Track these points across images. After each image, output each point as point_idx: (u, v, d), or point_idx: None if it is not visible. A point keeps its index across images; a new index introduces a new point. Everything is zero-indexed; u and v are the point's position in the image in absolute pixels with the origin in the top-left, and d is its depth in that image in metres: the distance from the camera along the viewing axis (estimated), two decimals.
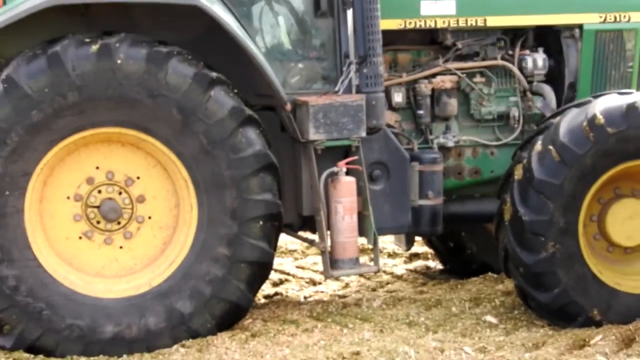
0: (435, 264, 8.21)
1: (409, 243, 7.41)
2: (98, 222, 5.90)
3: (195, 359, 5.42)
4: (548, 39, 7.09)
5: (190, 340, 5.72)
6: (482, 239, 7.57)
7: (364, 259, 6.84)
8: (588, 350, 5.34)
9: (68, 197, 5.89)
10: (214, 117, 5.72)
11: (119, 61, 5.58)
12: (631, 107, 5.84)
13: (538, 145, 5.94)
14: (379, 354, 5.28)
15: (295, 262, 8.46)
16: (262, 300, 6.97)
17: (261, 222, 5.87)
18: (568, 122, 5.89)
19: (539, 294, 5.88)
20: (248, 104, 5.92)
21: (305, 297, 7.30)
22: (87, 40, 5.61)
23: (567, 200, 5.81)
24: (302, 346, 5.59)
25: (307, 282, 7.83)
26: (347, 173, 6.07)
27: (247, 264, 5.83)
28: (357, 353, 5.36)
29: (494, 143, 6.92)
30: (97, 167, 5.89)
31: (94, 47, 5.57)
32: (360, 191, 6.13)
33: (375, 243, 6.30)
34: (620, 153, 5.86)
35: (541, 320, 6.00)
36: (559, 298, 5.82)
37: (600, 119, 5.76)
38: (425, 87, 6.71)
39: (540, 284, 5.85)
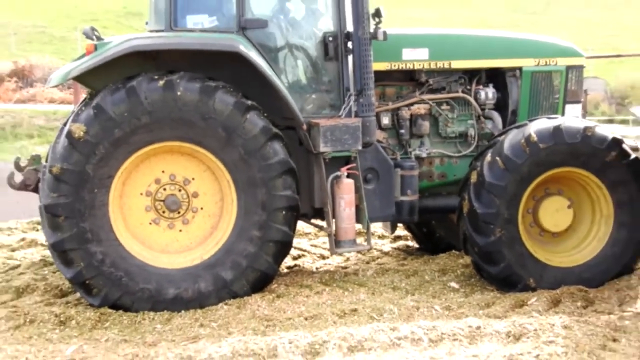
0: (413, 244, 7.95)
1: (393, 228, 7.20)
2: (163, 212, 5.71)
3: (235, 313, 5.30)
4: (496, 77, 6.85)
5: (231, 300, 5.56)
6: (448, 225, 7.28)
7: (359, 240, 6.53)
8: (526, 308, 5.27)
9: (141, 194, 5.68)
10: (249, 134, 5.51)
11: (179, 93, 5.41)
12: (557, 128, 5.64)
13: (488, 157, 5.77)
14: (371, 310, 5.19)
15: (309, 242, 8.24)
16: (285, 270, 6.84)
17: (284, 212, 5.68)
18: (510, 139, 5.75)
19: (489, 267, 5.75)
20: (275, 124, 5.75)
21: (316, 268, 7.16)
22: (156, 77, 5.46)
23: (510, 197, 5.66)
24: (314, 304, 5.48)
25: (318, 257, 7.61)
26: (348, 176, 5.89)
27: (274, 242, 5.66)
28: (355, 310, 5.27)
29: (456, 155, 6.67)
30: (163, 171, 5.68)
31: (161, 82, 5.41)
32: (357, 190, 5.93)
33: (368, 228, 6.14)
34: (549, 163, 5.68)
35: (491, 286, 5.87)
36: (504, 270, 5.68)
37: (534, 137, 5.61)
38: (405, 113, 6.51)
39: (490, 259, 5.71)
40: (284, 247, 5.81)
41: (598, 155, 5.73)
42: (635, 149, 6.13)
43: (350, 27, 6.08)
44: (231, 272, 5.62)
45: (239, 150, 5.60)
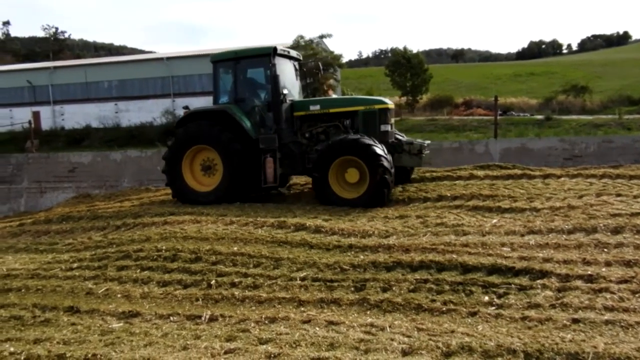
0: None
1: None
2: (205, 170, 11.15)
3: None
4: (350, 115, 11.26)
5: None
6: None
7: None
8: None
9: (200, 164, 11.27)
10: (225, 139, 10.66)
11: (204, 127, 10.83)
12: (346, 139, 10.19)
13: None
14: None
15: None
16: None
17: (238, 169, 10.67)
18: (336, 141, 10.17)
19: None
20: (238, 138, 10.82)
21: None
22: (197, 122, 11.00)
23: (327, 163, 10.20)
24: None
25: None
26: (269, 157, 10.91)
27: (236, 178, 10.87)
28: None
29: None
30: (202, 158, 11.25)
31: (197, 124, 11.10)
32: (274, 162, 10.86)
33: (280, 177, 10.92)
34: (342, 151, 10.19)
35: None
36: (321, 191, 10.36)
37: (339, 142, 10.22)
38: (313, 131, 11.38)
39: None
40: (246, 181, 10.88)
41: (364, 150, 9.93)
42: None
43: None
44: (222, 191, 10.91)
45: (223, 147, 10.80)
